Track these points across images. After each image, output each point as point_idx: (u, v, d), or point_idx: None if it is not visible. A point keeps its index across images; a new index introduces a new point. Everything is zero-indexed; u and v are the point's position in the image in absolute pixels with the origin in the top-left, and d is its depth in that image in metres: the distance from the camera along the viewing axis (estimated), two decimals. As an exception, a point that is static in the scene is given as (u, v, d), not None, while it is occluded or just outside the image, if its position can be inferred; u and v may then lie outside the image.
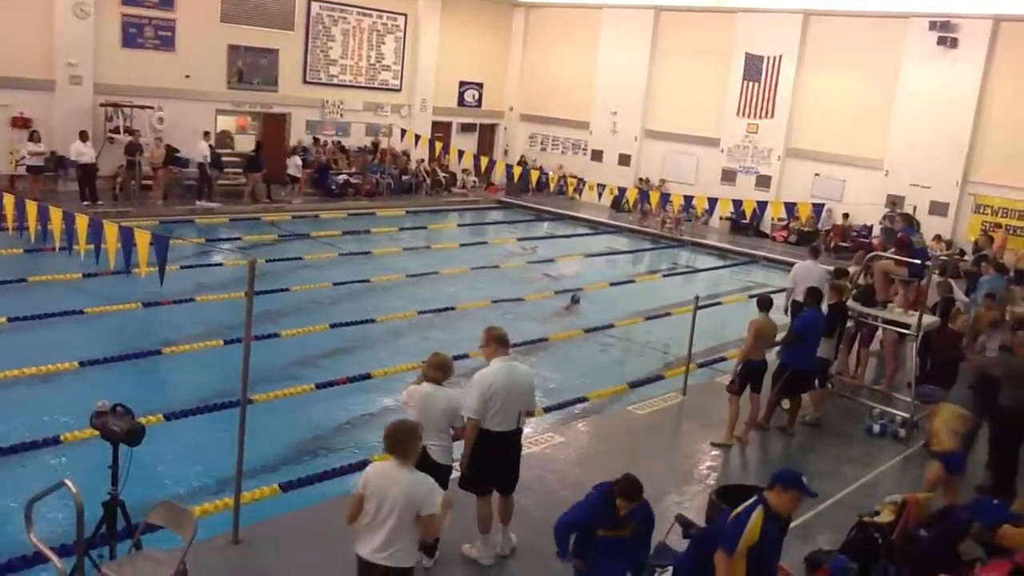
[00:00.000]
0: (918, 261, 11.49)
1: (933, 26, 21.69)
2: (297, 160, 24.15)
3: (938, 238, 20.80)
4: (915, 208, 21.05)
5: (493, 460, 6.73)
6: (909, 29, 22.28)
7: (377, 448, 9.21)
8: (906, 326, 11.02)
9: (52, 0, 20.08)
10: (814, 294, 10.42)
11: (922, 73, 22.12)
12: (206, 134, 22.39)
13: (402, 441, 5.11)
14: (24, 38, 19.85)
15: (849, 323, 11.58)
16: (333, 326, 13.25)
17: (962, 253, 19.45)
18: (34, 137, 19.48)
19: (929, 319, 11.08)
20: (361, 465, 8.72)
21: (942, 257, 14.12)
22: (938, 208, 21.95)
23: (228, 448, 7.23)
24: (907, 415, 10.57)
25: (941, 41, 21.63)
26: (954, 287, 12.81)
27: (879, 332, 12.33)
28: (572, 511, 5.85)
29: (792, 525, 6.47)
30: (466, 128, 30.32)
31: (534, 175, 25.25)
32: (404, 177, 26.26)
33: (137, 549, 5.57)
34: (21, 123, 19.95)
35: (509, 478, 6.95)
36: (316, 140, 25.08)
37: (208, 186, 21.69)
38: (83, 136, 19.50)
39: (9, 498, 7.42)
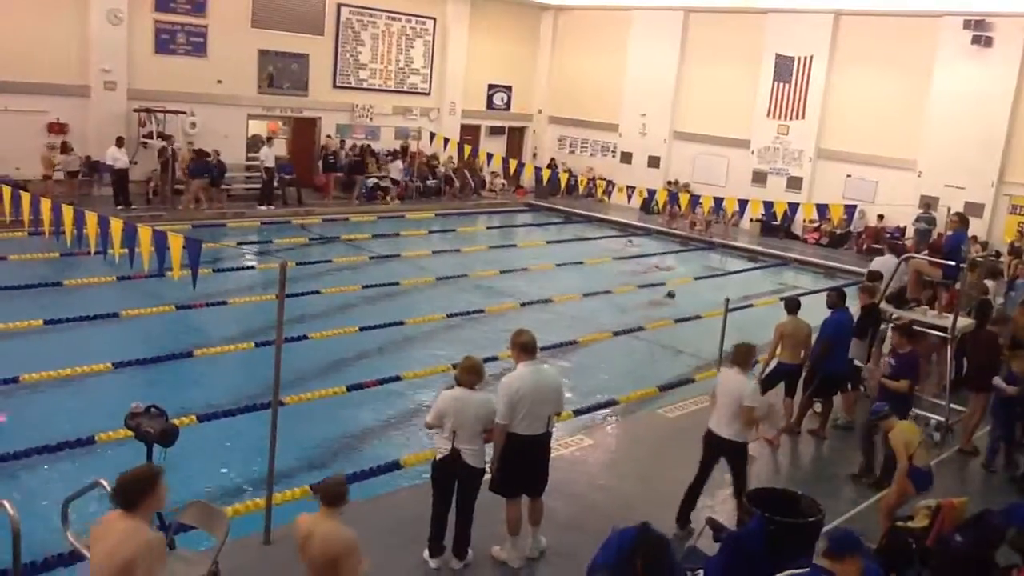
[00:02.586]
0: (952, 263, 11.35)
1: (967, 25, 21.41)
2: (399, 164, 24.67)
3: (974, 239, 20.51)
4: (949, 209, 20.73)
5: (522, 463, 6.72)
6: (942, 28, 22.01)
7: (405, 448, 9.26)
8: (942, 328, 10.86)
9: (87, 7, 20.41)
10: (841, 295, 10.30)
11: (956, 73, 21.82)
12: (270, 139, 22.68)
13: (743, 355, 7.68)
14: (59, 45, 20.18)
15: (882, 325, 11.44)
16: (363, 329, 13.31)
17: (997, 255, 19.16)
18: (65, 148, 19.78)
19: (964, 321, 10.93)
20: (391, 467, 8.78)
21: (978, 258, 13.92)
22: (973, 209, 21.54)
23: (260, 449, 7.31)
24: (942, 419, 10.43)
25: (975, 40, 21.33)
26: (990, 289, 12.62)
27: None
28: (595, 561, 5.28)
29: (825, 530, 6.41)
30: (495, 131, 30.38)
31: (563, 177, 25.20)
32: (432, 180, 26.34)
33: (170, 549, 5.61)
34: (57, 129, 20.28)
35: (538, 481, 6.93)
36: (342, 143, 25.22)
37: (270, 191, 22.04)
38: (119, 142, 19.77)
39: (45, 497, 7.53)
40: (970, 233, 20.24)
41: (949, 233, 12.70)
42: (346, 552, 4.76)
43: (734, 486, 7.77)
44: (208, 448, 8.89)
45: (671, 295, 17.05)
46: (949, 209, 20.51)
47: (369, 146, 26.00)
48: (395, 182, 25.11)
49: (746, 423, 7.47)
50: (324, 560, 4.77)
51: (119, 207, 19.12)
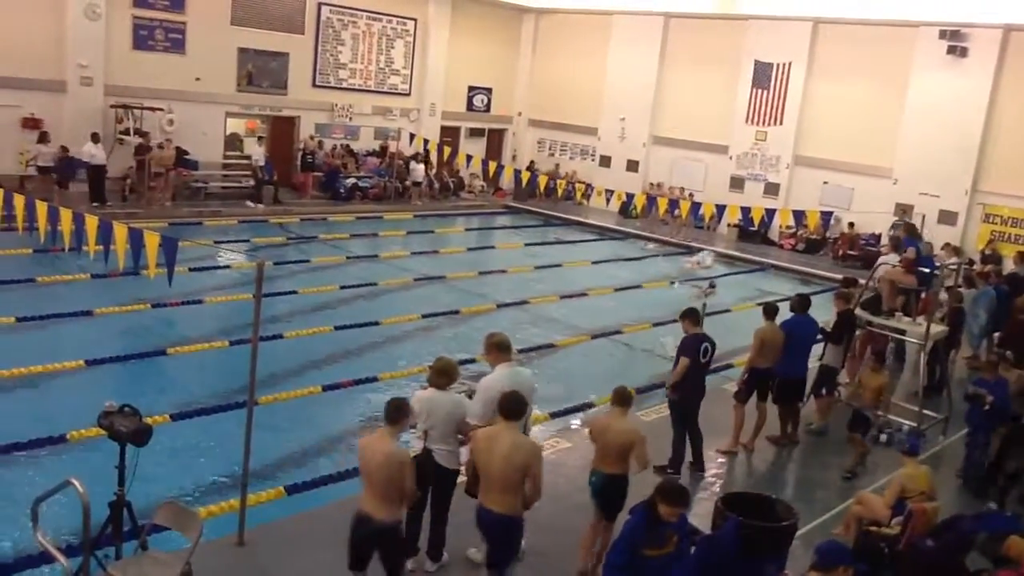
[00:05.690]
0: (927, 269, 11.48)
1: (943, 35, 21.66)
2: (418, 165, 25.24)
3: (947, 245, 20.72)
4: (924, 217, 21.02)
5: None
6: (919, 38, 22.24)
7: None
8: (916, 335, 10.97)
9: (64, 2, 20.17)
10: (805, 302, 10.35)
11: (932, 82, 22.07)
12: (260, 139, 22.53)
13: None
14: (35, 39, 19.92)
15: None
16: (340, 328, 13.26)
17: (971, 262, 19.36)
18: (44, 139, 19.51)
19: (937, 328, 11.04)
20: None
21: (952, 266, 14.06)
22: (947, 217, 21.89)
23: (234, 449, 7.25)
24: (914, 424, 10.52)
25: (951, 50, 21.58)
26: (965, 296, 12.76)
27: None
28: (617, 544, 5.57)
29: (798, 534, 6.46)
30: (475, 133, 30.36)
31: (542, 180, 25.26)
32: (411, 181, 26.27)
33: (143, 550, 5.58)
34: (32, 124, 20.02)
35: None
36: (320, 143, 25.06)
37: (260, 189, 21.99)
38: (95, 138, 19.56)
39: (16, 497, 7.44)
40: (944, 240, 20.59)
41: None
42: (639, 441, 6.57)
43: None
44: (182, 448, 8.82)
45: (713, 285, 16.93)
46: (923, 217, 20.81)
47: (348, 146, 25.93)
48: (416, 184, 25.65)
49: None
50: (620, 447, 6.59)
51: (95, 204, 18.93)
